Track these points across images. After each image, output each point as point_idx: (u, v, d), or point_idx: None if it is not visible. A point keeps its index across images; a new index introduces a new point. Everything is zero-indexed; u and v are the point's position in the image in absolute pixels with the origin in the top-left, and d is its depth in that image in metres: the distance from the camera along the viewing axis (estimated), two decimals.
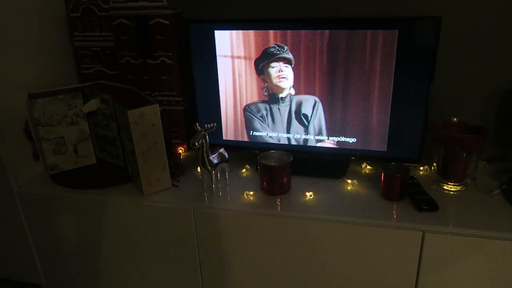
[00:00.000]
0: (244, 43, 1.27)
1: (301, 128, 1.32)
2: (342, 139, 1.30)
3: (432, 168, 1.28)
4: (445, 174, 1.21)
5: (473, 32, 1.26)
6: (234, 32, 1.27)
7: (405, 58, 1.16)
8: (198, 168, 1.36)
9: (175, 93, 1.44)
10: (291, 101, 1.30)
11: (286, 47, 1.25)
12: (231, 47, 1.29)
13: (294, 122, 1.32)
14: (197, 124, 1.18)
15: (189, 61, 1.35)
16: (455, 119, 1.24)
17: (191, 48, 1.33)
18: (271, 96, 1.32)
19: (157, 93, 1.45)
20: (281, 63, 1.27)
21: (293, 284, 1.20)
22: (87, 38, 1.50)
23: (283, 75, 1.27)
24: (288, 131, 1.34)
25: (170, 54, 1.38)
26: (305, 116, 1.30)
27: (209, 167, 1.21)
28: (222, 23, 1.29)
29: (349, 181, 1.26)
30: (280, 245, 1.16)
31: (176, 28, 1.36)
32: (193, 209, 1.18)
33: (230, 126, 1.39)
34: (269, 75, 1.29)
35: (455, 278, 1.06)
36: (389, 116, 1.23)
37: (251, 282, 1.24)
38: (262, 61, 1.28)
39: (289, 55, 1.25)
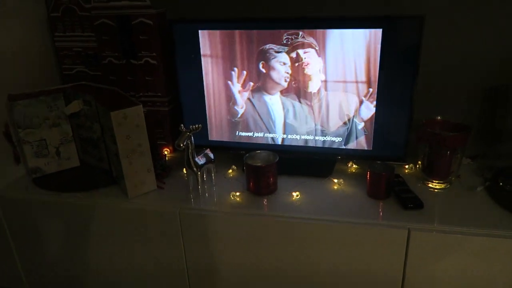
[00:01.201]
0: (229, 43, 1.27)
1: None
2: (328, 138, 1.30)
3: (417, 166, 1.29)
4: (430, 172, 1.22)
5: (455, 30, 1.27)
6: (217, 31, 1.26)
7: (389, 57, 1.17)
8: (184, 170, 1.35)
9: (159, 94, 1.42)
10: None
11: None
12: (215, 47, 1.28)
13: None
14: (182, 125, 1.17)
15: (174, 61, 1.33)
16: (439, 117, 1.25)
17: (175, 48, 1.31)
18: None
19: (141, 94, 1.43)
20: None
21: (281, 284, 1.20)
22: (69, 39, 1.47)
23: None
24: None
25: (154, 54, 1.37)
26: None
27: (194, 168, 1.20)
28: (207, 23, 1.27)
29: (336, 180, 1.26)
30: (267, 246, 1.16)
31: (160, 28, 1.34)
32: (179, 211, 1.17)
33: (216, 126, 1.38)
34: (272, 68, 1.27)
35: (441, 275, 1.07)
36: (373, 115, 1.23)
37: (239, 283, 1.23)
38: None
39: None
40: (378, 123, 1.24)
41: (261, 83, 1.29)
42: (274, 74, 1.27)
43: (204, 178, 1.25)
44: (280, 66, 1.25)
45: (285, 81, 1.27)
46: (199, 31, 1.27)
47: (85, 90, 1.35)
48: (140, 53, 1.38)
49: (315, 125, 1.29)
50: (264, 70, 1.27)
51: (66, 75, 1.52)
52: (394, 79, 1.19)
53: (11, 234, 1.36)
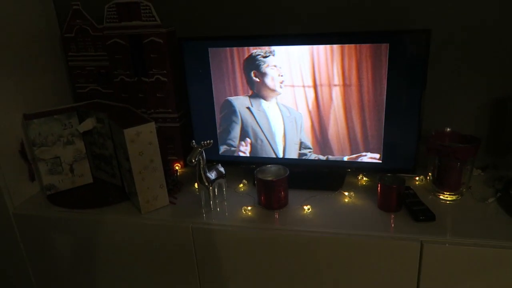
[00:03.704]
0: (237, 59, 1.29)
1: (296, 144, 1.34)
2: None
3: (428, 178, 1.29)
4: (441, 184, 1.22)
5: (464, 42, 1.28)
6: (227, 49, 1.29)
7: (397, 70, 1.18)
8: (195, 185, 1.36)
9: (170, 110, 1.45)
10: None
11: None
12: (225, 63, 1.30)
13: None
14: (194, 141, 1.19)
15: (184, 78, 1.36)
16: (448, 129, 1.26)
17: (185, 65, 1.34)
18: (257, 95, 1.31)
19: (152, 110, 1.46)
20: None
21: None
22: (82, 58, 1.50)
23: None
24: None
25: (164, 71, 1.40)
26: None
27: (206, 183, 1.21)
28: (216, 40, 1.30)
29: (346, 193, 1.26)
30: (279, 260, 1.16)
31: (169, 46, 1.38)
32: (192, 226, 1.18)
33: (226, 141, 1.40)
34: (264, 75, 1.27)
35: (456, 287, 1.06)
36: (383, 128, 1.24)
37: None
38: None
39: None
40: (388, 135, 1.25)
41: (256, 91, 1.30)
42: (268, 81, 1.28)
43: (215, 193, 1.26)
44: (272, 70, 1.26)
45: (281, 87, 1.27)
46: (209, 48, 1.30)
47: (98, 108, 1.38)
48: (151, 71, 1.41)
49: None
50: (257, 79, 1.29)
51: (80, 94, 1.55)
52: (402, 91, 1.20)
53: (25, 249, 1.38)
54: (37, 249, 1.36)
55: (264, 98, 1.30)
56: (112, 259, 1.30)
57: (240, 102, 1.33)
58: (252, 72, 1.28)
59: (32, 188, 1.41)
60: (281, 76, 1.26)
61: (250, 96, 1.31)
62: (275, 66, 1.25)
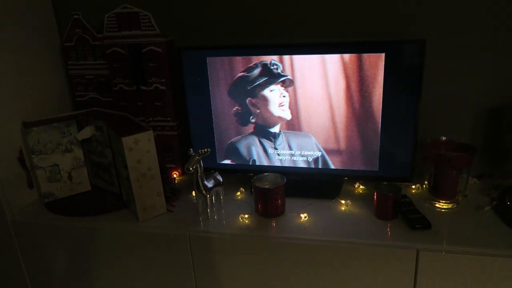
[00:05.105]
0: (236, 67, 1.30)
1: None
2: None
3: (424, 186, 1.30)
4: (437, 192, 1.23)
5: (458, 51, 1.30)
6: (226, 58, 1.30)
7: (393, 79, 1.19)
8: (193, 192, 1.37)
9: (168, 118, 1.46)
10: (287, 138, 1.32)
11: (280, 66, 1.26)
12: (223, 72, 1.32)
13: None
14: (191, 149, 1.19)
15: (182, 86, 1.37)
16: (444, 137, 1.27)
17: (183, 74, 1.35)
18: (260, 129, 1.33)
19: (151, 118, 1.47)
20: (279, 85, 1.27)
21: None
22: (81, 67, 1.52)
23: (284, 102, 1.25)
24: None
25: (163, 80, 1.41)
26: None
27: (204, 191, 1.22)
28: (214, 50, 1.31)
29: (343, 201, 1.27)
30: (277, 268, 1.16)
31: (168, 55, 1.39)
32: (189, 234, 1.19)
33: (224, 149, 1.41)
34: (265, 99, 1.29)
35: None
36: (379, 137, 1.25)
37: None
38: (254, 80, 1.28)
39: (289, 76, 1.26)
40: (384, 144, 1.26)
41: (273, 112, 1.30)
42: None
43: (213, 200, 1.27)
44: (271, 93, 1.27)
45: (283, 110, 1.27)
46: (207, 57, 1.31)
47: (97, 116, 1.39)
48: (149, 80, 1.42)
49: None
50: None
51: (79, 102, 1.56)
52: (398, 101, 1.21)
53: (23, 257, 1.37)
54: (35, 256, 1.36)
55: (268, 127, 1.31)
56: (110, 267, 1.30)
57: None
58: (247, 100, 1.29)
59: (30, 196, 1.42)
60: (284, 97, 1.26)
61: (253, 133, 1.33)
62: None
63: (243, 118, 1.33)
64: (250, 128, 1.35)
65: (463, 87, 1.33)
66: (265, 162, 1.37)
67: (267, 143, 1.33)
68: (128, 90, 1.46)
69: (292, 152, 1.33)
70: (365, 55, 1.19)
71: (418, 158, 1.24)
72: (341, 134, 1.28)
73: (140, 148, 1.19)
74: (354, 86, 1.22)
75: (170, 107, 1.44)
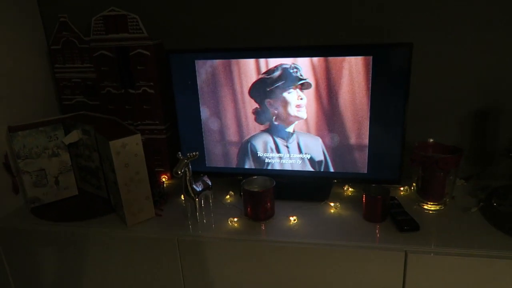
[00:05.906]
0: (225, 72, 1.30)
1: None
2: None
3: (412, 188, 1.31)
4: (425, 194, 1.24)
5: (444, 55, 1.31)
6: (214, 61, 1.30)
7: (380, 82, 1.20)
8: (182, 196, 1.36)
9: (157, 122, 1.45)
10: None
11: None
12: (212, 76, 1.31)
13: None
14: (180, 153, 1.19)
15: (171, 90, 1.36)
16: (431, 140, 1.28)
17: (172, 77, 1.35)
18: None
19: (139, 122, 1.46)
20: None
21: None
22: (68, 70, 1.50)
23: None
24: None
25: (151, 83, 1.40)
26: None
27: (192, 195, 1.21)
28: (203, 53, 1.31)
29: (332, 204, 1.27)
30: (266, 271, 1.16)
31: (157, 58, 1.38)
32: (177, 238, 1.18)
33: (212, 153, 1.40)
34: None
35: None
36: (368, 139, 1.26)
37: None
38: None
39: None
40: (372, 146, 1.26)
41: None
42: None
43: (202, 204, 1.26)
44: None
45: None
46: (195, 60, 1.31)
47: (84, 120, 1.37)
48: (138, 83, 1.41)
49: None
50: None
51: (66, 105, 1.55)
52: (385, 104, 1.22)
53: (8, 263, 1.35)
54: (20, 261, 1.34)
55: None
56: (98, 272, 1.28)
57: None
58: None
59: (16, 201, 1.40)
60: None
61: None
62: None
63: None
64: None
65: (450, 90, 1.35)
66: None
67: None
68: (116, 93, 1.45)
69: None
70: (352, 58, 1.20)
71: (406, 160, 1.25)
72: (329, 136, 1.29)
73: (128, 152, 1.18)
74: (343, 89, 1.23)
75: (159, 110, 1.43)
